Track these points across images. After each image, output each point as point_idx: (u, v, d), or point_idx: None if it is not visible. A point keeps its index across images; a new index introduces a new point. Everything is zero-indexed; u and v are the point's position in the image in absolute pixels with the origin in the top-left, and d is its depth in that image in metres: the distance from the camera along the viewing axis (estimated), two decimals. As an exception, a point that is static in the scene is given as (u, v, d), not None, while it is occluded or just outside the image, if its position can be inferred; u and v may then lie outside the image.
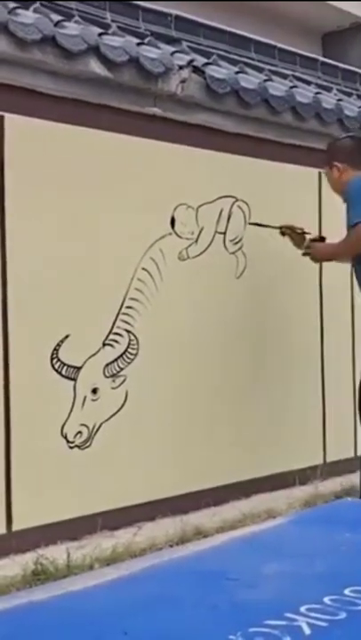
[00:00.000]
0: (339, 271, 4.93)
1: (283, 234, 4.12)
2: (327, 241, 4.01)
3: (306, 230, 4.09)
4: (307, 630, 1.29)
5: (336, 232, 4.85)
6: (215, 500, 3.96)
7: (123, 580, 1.65)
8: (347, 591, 1.46)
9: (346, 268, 4.98)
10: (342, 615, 1.35)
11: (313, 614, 1.35)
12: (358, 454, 4.71)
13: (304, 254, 3.96)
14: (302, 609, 1.37)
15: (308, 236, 4.01)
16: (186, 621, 1.38)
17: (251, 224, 4.20)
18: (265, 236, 4.40)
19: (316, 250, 3.94)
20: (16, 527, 3.30)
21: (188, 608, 1.45)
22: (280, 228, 4.12)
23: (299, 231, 4.08)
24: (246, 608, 1.43)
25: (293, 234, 4.08)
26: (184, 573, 1.70)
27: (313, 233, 4.16)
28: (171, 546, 3.22)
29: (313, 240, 3.98)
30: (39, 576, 2.94)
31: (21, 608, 1.49)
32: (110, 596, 1.56)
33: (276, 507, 3.77)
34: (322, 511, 2.20)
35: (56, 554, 3.12)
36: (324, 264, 4.78)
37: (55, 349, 3.44)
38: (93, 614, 1.43)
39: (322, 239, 4.02)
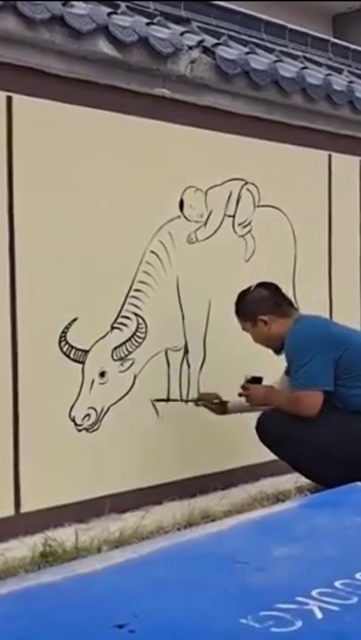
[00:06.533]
0: (348, 259, 4.91)
1: (198, 405, 3.82)
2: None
3: (223, 399, 3.78)
4: (318, 614, 1.28)
5: (345, 215, 4.83)
6: (223, 483, 3.95)
7: (131, 563, 1.65)
8: (358, 575, 1.45)
9: (354, 258, 4.96)
10: (354, 600, 1.34)
11: (324, 598, 1.34)
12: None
13: (240, 395, 3.64)
14: (314, 593, 1.36)
15: (245, 376, 3.66)
16: (196, 605, 1.37)
17: (154, 400, 3.77)
18: (274, 220, 4.37)
19: (255, 394, 3.63)
20: (24, 509, 3.31)
21: (198, 591, 1.44)
22: (194, 400, 3.82)
23: (216, 401, 3.79)
24: (257, 592, 1.42)
25: (210, 404, 3.80)
26: (193, 557, 1.69)
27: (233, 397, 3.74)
28: (178, 529, 3.22)
29: (249, 381, 3.64)
30: (47, 558, 2.95)
31: (30, 590, 1.49)
32: (119, 578, 1.56)
33: (285, 490, 3.76)
34: (332, 495, 2.18)
35: (64, 536, 3.12)
36: (333, 251, 4.76)
37: (63, 332, 3.43)
38: (102, 597, 1.43)
39: (258, 380, 3.66)
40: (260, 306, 3.62)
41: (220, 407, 3.82)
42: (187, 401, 3.85)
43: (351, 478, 2.33)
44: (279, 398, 3.60)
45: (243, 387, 3.68)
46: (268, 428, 3.58)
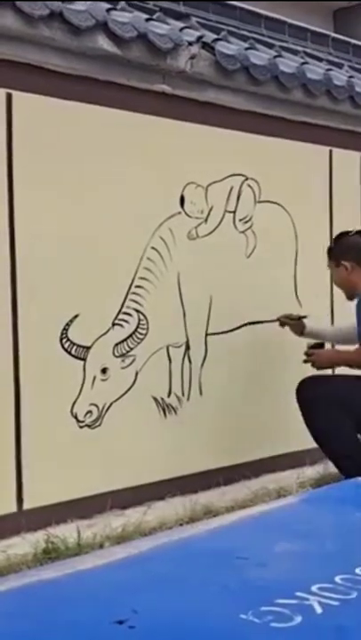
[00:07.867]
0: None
1: (282, 324, 4.05)
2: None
3: (302, 315, 4.03)
4: (318, 609, 1.28)
5: (345, 211, 4.83)
6: (225, 479, 3.96)
7: (132, 559, 1.64)
8: (358, 570, 1.44)
9: None
10: (354, 595, 1.34)
11: (324, 593, 1.33)
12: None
13: (305, 361, 3.77)
14: (313, 588, 1.35)
15: (308, 344, 3.86)
16: (196, 600, 1.37)
17: (246, 324, 4.12)
18: (275, 216, 4.37)
19: (321, 357, 3.77)
20: (27, 506, 3.31)
21: (198, 587, 1.44)
22: (278, 319, 4.06)
23: (295, 317, 4.03)
24: (257, 587, 1.42)
25: (291, 322, 4.02)
26: (193, 552, 1.69)
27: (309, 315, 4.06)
28: (180, 525, 3.22)
29: (312, 347, 3.81)
30: (50, 554, 2.96)
31: (31, 586, 1.48)
32: (120, 574, 1.55)
33: (286, 486, 3.77)
34: (333, 490, 2.17)
35: (67, 532, 3.13)
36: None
37: (64, 329, 3.44)
38: (103, 593, 1.42)
39: (321, 346, 3.86)
40: (350, 252, 3.76)
41: (299, 324, 3.98)
42: (273, 320, 4.06)
43: None
44: (345, 355, 3.70)
45: (306, 353, 3.76)
46: (309, 392, 3.67)
